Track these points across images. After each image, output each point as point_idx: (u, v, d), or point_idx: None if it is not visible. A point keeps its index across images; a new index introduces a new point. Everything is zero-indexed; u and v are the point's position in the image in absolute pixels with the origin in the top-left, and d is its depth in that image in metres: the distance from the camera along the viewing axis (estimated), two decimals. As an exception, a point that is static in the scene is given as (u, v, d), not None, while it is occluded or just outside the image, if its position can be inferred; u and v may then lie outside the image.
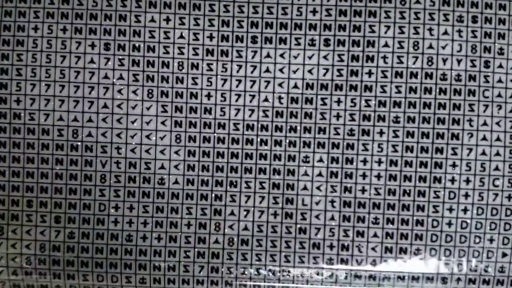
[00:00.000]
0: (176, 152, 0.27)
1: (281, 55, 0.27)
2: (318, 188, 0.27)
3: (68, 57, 0.27)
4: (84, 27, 0.27)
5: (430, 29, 0.27)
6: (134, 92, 0.27)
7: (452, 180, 0.27)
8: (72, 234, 0.27)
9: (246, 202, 0.27)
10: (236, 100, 0.27)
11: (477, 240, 0.27)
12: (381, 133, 0.27)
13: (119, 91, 0.27)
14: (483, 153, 0.27)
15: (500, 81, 0.27)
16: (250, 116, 0.27)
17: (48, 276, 0.27)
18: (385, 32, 0.27)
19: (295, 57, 0.27)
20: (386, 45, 0.27)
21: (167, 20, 0.27)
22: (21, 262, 0.27)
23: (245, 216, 0.27)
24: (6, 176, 0.27)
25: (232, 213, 0.27)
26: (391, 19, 0.27)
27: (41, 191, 0.27)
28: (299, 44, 0.27)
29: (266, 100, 0.27)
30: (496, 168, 0.27)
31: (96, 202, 0.27)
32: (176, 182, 0.27)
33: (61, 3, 0.27)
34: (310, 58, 0.27)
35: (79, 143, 0.27)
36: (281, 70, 0.27)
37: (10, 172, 0.27)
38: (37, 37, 0.27)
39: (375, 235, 0.27)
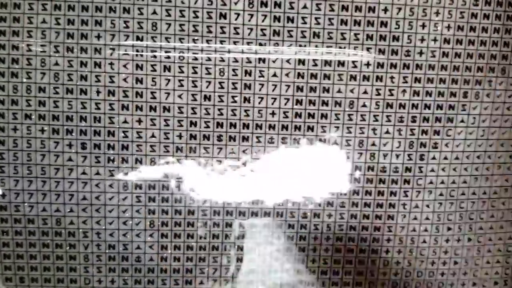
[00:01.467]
0: (151, 235, 0.35)
1: (244, 151, 0.34)
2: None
3: (47, 155, 0.33)
4: (61, 128, 0.33)
5: (374, 129, 0.34)
6: (110, 185, 0.34)
7: (387, 251, 0.36)
8: (61, 304, 0.35)
9: (213, 273, 0.36)
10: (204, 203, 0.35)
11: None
12: (329, 215, 0.35)
13: (97, 185, 0.34)
14: (414, 230, 0.36)
15: (432, 170, 0.35)
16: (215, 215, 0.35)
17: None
18: (335, 132, 0.34)
19: (256, 153, 0.34)
20: (335, 143, 0.34)
21: (139, 121, 0.33)
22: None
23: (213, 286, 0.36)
24: (-3, 258, 0.34)
25: (201, 283, 0.36)
26: (340, 120, 0.34)
27: (31, 269, 0.35)
28: (259, 142, 0.34)
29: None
30: (423, 241, 0.36)
31: (81, 277, 0.35)
32: (151, 259, 0.35)
33: (37, 105, 0.33)
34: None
35: (62, 230, 0.34)
36: (244, 164, 0.34)
37: (1, 255, 0.34)
38: (17, 137, 0.33)
39: None
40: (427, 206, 0.34)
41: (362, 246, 0.34)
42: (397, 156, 0.33)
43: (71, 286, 0.33)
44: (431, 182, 0.34)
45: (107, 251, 0.33)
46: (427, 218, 0.34)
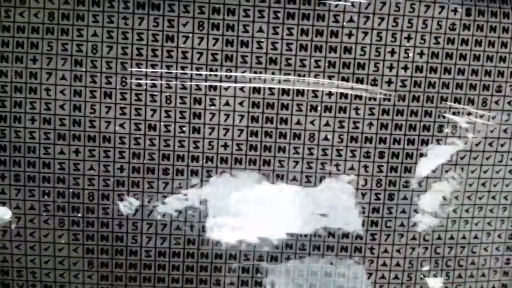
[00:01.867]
0: (89, 277, 0.33)
1: (192, 186, 0.32)
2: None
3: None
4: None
5: (337, 165, 0.32)
6: (45, 221, 0.32)
7: None
8: None
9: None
10: (148, 229, 0.32)
11: None
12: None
13: (31, 221, 0.32)
14: (382, 277, 0.33)
15: (403, 211, 0.33)
16: (162, 244, 0.33)
17: None
18: (294, 167, 0.32)
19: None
20: (294, 179, 0.32)
21: (77, 152, 0.31)
22: None
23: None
24: None
25: None
26: (299, 155, 0.32)
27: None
28: (210, 176, 0.32)
29: (178, 228, 0.33)
30: None
31: None
32: None
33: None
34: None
35: (-7, 269, 0.32)
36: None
37: None
38: None
39: None
40: (398, 251, 0.31)
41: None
42: (363, 195, 0.31)
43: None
44: (402, 225, 0.31)
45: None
46: (397, 265, 0.31)
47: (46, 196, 0.30)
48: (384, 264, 0.31)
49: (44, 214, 0.30)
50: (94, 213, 0.30)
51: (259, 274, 0.31)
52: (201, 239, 0.30)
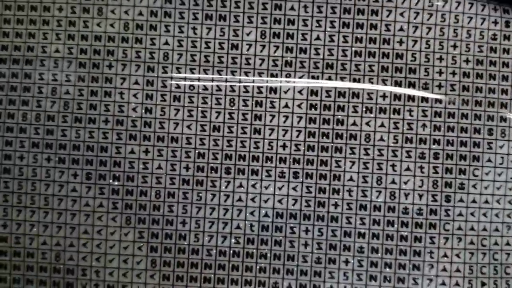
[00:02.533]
0: (152, 276, 0.33)
1: (253, 186, 0.33)
2: (286, 312, 0.33)
3: (51, 185, 0.34)
4: (68, 157, 0.33)
5: (393, 165, 0.33)
6: (113, 219, 0.33)
7: None
8: None
9: (217, 324, 0.33)
10: (210, 227, 0.33)
11: None
12: (346, 262, 0.33)
13: (99, 218, 0.33)
14: (443, 284, 0.33)
15: (460, 214, 0.33)
16: (222, 242, 0.33)
17: None
18: (350, 167, 0.33)
19: (266, 188, 0.33)
20: (351, 179, 0.33)
21: (146, 151, 0.34)
22: None
23: (217, 337, 0.33)
24: (-9, 296, 0.33)
25: None
26: (356, 155, 0.33)
27: (24, 310, 0.33)
28: (269, 175, 0.33)
29: (238, 227, 0.33)
30: None
31: None
32: None
33: (45, 133, 0.34)
34: (280, 189, 0.33)
35: (61, 266, 0.33)
36: (252, 199, 0.33)
37: (-5, 292, 0.33)
38: (23, 166, 0.34)
39: None
40: (457, 255, 0.31)
41: (384, 300, 0.31)
42: (420, 196, 0.31)
43: (64, 331, 0.32)
44: (459, 228, 0.31)
45: (105, 292, 0.32)
46: (457, 270, 0.31)
47: (115, 194, 0.31)
48: (444, 270, 0.31)
49: (112, 211, 0.31)
50: (160, 210, 0.31)
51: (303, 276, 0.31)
52: (260, 239, 0.31)
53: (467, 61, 0.31)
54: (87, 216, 0.31)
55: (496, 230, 0.31)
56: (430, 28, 0.31)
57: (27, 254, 0.31)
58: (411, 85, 0.31)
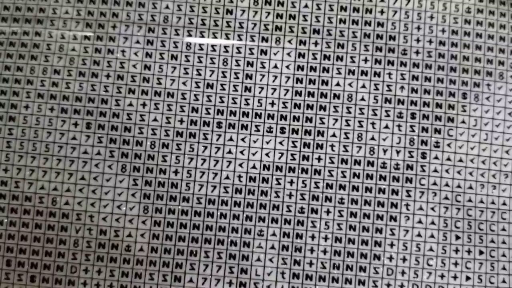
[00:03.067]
0: (143, 222, 0.35)
1: (242, 139, 0.36)
2: (270, 260, 0.35)
3: (53, 133, 0.36)
4: (70, 108, 0.36)
5: (373, 123, 0.36)
6: (109, 166, 0.36)
7: (390, 258, 0.35)
8: (45, 293, 0.35)
9: (204, 270, 0.35)
10: (200, 177, 0.36)
11: (413, 314, 0.35)
12: (327, 212, 0.35)
13: (96, 165, 0.36)
14: (419, 235, 0.35)
15: (435, 170, 0.35)
16: (212, 191, 0.35)
17: (20, 331, 0.35)
18: (333, 124, 0.36)
19: (254, 142, 0.36)
20: (333, 135, 0.36)
21: (143, 105, 0.36)
22: (-4, 317, 0.35)
23: (203, 284, 0.35)
24: (-11, 237, 0.35)
25: (190, 280, 0.35)
26: (339, 113, 0.36)
27: (20, 252, 0.35)
28: (258, 130, 0.36)
29: (227, 178, 0.35)
30: (430, 249, 0.35)
31: (68, 264, 0.35)
32: (141, 249, 0.35)
33: (50, 85, 0.36)
34: (267, 143, 0.36)
35: (57, 210, 0.35)
36: (241, 152, 0.36)
37: (-7, 234, 0.35)
38: (27, 114, 0.36)
39: (320, 306, 0.35)
40: (432, 209, 0.34)
41: (363, 251, 0.33)
42: (398, 152, 0.34)
43: (56, 273, 0.33)
44: (434, 183, 0.34)
45: (98, 236, 0.33)
46: (432, 223, 0.34)
47: (112, 143, 0.34)
48: (420, 222, 0.33)
49: (109, 158, 0.33)
50: (154, 160, 0.33)
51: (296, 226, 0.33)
52: (248, 189, 0.33)
53: (442, 31, 0.34)
54: (85, 163, 0.33)
55: (470, 187, 0.33)
56: (408, 0, 0.34)
57: (25, 198, 0.33)
58: (391, 50, 0.34)
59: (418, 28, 0.34)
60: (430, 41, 0.34)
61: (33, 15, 0.34)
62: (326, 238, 0.33)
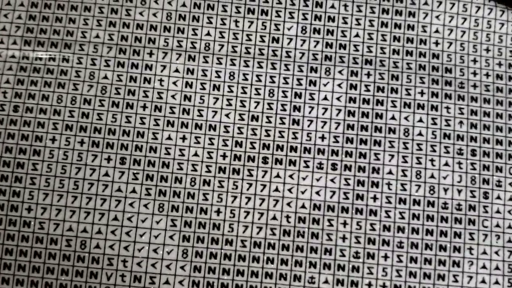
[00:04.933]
0: (182, 268, 0.32)
1: (290, 176, 0.33)
2: (322, 310, 0.32)
3: (83, 168, 0.32)
4: (102, 141, 0.33)
5: (432, 160, 0.33)
6: (145, 205, 0.32)
7: None
8: None
9: (250, 321, 0.31)
10: (245, 217, 0.32)
11: None
12: (385, 257, 0.32)
13: (131, 204, 0.32)
14: (483, 281, 0.32)
15: (498, 211, 0.33)
16: (257, 233, 0.32)
17: None
18: (389, 161, 0.33)
19: (304, 179, 0.33)
20: (390, 172, 0.33)
21: (183, 138, 0.33)
22: None
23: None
24: (9, 284, 0.31)
25: None
26: (395, 148, 0.33)
27: (43, 301, 0.31)
28: (307, 166, 0.33)
29: (274, 218, 0.32)
30: None
31: None
32: None
33: (80, 116, 0.33)
34: (317, 180, 0.33)
35: (86, 254, 0.32)
36: (289, 190, 0.33)
37: (13, 280, 0.31)
38: (54, 148, 0.33)
39: None
40: (496, 253, 0.31)
41: (423, 299, 0.30)
42: (459, 191, 0.31)
43: (85, 325, 0.30)
44: (497, 225, 0.31)
45: (131, 284, 0.30)
46: (497, 268, 0.31)
47: (149, 180, 0.31)
48: (484, 267, 0.30)
49: (145, 197, 0.30)
50: (194, 198, 0.30)
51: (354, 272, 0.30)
52: (297, 231, 0.30)
53: (499, 64, 0.32)
54: (118, 202, 0.30)
55: (534, 230, 0.31)
56: (464, 32, 0.32)
57: (50, 241, 0.30)
58: (448, 83, 0.32)
59: (475, 61, 0.32)
60: (487, 75, 0.32)
61: (60, 38, 0.31)
62: (384, 286, 0.30)
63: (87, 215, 0.30)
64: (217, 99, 0.32)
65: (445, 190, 0.31)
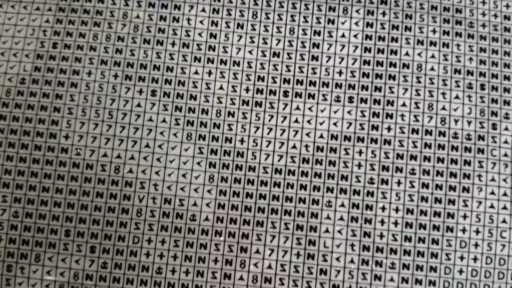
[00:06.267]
0: (209, 191, 0.34)
1: (309, 109, 0.35)
2: (339, 231, 0.34)
3: (117, 100, 0.35)
4: (134, 75, 0.35)
5: (443, 93, 0.35)
6: (174, 134, 0.34)
7: (463, 230, 0.34)
8: (105, 264, 0.33)
9: (271, 241, 0.34)
10: (267, 146, 0.34)
11: (487, 288, 0.33)
12: (398, 183, 0.34)
13: (161, 133, 0.34)
14: (491, 206, 0.34)
15: (506, 142, 0.35)
16: (278, 161, 0.34)
17: (79, 304, 0.33)
18: (403, 94, 0.35)
19: (322, 111, 0.35)
20: (403, 104, 0.35)
21: (209, 73, 0.35)
22: (54, 289, 0.33)
23: (270, 255, 0.33)
24: (48, 206, 0.33)
25: (257, 251, 0.33)
26: (409, 82, 0.35)
27: (79, 221, 0.33)
28: (325, 99, 0.35)
29: (294, 147, 0.34)
30: (504, 221, 0.34)
31: (130, 234, 0.33)
32: (206, 219, 0.34)
33: (114, 52, 0.35)
34: (335, 112, 0.35)
35: (119, 179, 0.34)
36: (308, 121, 0.35)
37: (52, 202, 0.34)
38: (90, 81, 0.35)
39: (391, 280, 0.33)
40: (504, 180, 0.33)
41: (435, 223, 0.32)
42: (469, 123, 0.33)
43: (117, 244, 0.32)
44: (505, 155, 0.33)
45: (162, 206, 0.32)
46: (505, 194, 0.33)
47: (178, 111, 0.33)
48: (493, 193, 0.32)
49: (174, 126, 0.32)
50: (219, 129, 0.33)
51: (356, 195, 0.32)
52: (315, 159, 0.32)
53: (507, 6, 0.34)
54: (149, 131, 0.32)
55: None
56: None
57: (86, 166, 0.32)
58: (458, 23, 0.33)
59: (483, 2, 0.34)
60: (495, 15, 0.34)
61: (96, -15, 0.34)
62: (397, 210, 0.32)
63: (120, 143, 0.32)
64: (241, 36, 0.34)
65: (456, 121, 0.33)
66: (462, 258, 0.31)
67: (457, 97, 0.32)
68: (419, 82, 0.32)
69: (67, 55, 0.32)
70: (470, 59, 0.32)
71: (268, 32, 0.32)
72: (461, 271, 0.31)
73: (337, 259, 0.31)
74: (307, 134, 0.32)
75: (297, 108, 0.32)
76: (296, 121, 0.32)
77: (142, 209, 0.31)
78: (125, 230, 0.31)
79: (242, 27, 0.32)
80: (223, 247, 0.31)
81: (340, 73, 0.32)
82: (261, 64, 0.32)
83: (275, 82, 0.32)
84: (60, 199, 0.31)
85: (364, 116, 0.32)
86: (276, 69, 0.32)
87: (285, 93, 0.32)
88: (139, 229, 0.31)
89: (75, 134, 0.32)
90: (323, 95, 0.32)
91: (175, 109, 0.32)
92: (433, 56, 0.32)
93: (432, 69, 0.32)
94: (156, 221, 0.31)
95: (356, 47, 0.32)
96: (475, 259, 0.31)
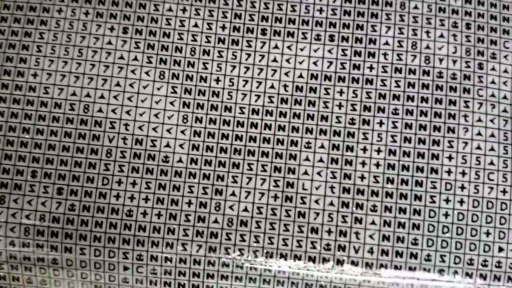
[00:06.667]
0: (182, 132, 0.32)
1: (288, 47, 0.33)
2: (318, 173, 0.32)
3: (87, 37, 0.33)
4: (106, 12, 0.33)
5: (427, 32, 0.33)
6: (146, 73, 0.33)
7: (449, 172, 0.32)
8: (73, 206, 0.31)
9: (247, 183, 0.32)
10: (243, 86, 0.33)
11: (474, 232, 0.32)
12: (380, 123, 0.32)
13: (133, 71, 0.33)
14: (478, 147, 0.32)
15: (493, 82, 0.33)
16: (256, 101, 0.33)
17: (46, 248, 0.31)
18: (386, 32, 0.33)
19: (301, 50, 0.33)
20: (386, 43, 0.33)
21: (184, 10, 0.34)
22: (20, 232, 0.31)
23: (246, 198, 0.32)
24: (14, 146, 0.32)
25: (233, 194, 0.32)
26: (392, 20, 0.34)
27: (46, 162, 0.32)
28: (305, 38, 0.33)
29: (272, 87, 0.33)
30: (491, 163, 0.32)
31: (100, 176, 0.32)
32: (180, 160, 0.32)
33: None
34: (315, 51, 0.33)
35: (89, 118, 0.32)
36: (287, 60, 0.33)
37: (18, 142, 0.32)
38: (60, 18, 0.33)
39: (373, 223, 0.32)
40: (491, 121, 0.31)
41: (419, 164, 0.31)
42: (454, 62, 0.32)
43: (86, 185, 0.30)
44: (492, 95, 0.31)
45: (133, 146, 0.31)
46: (492, 135, 0.31)
47: (150, 49, 0.31)
48: (479, 134, 0.30)
49: (146, 64, 0.31)
50: (194, 67, 0.31)
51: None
52: (294, 99, 0.31)
53: None
54: (120, 69, 0.31)
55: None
56: None
57: (55, 105, 0.30)
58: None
59: None
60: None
61: None
62: (379, 151, 0.30)
63: (90, 81, 0.31)
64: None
65: (440, 60, 0.31)
66: (447, 200, 0.29)
67: (441, 35, 0.31)
68: (403, 20, 0.31)
69: (36, -8, 0.31)
70: (456, -2, 0.31)
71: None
72: (446, 214, 0.29)
73: (316, 201, 0.29)
74: (286, 74, 0.30)
75: (276, 46, 0.30)
76: (275, 60, 0.30)
77: (112, 150, 0.29)
78: (94, 171, 0.29)
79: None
80: (197, 190, 0.29)
81: (321, 10, 0.31)
82: (238, 1, 0.31)
83: (252, 19, 0.31)
84: (27, 139, 0.29)
85: (345, 55, 0.30)
86: (254, 6, 0.31)
87: (263, 31, 0.31)
88: (108, 170, 0.29)
89: (44, 72, 0.30)
90: (303, 33, 0.30)
91: (148, 47, 0.30)
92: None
93: (415, 7, 0.31)
94: (127, 162, 0.29)
95: (337, -16, 0.31)
96: (461, 201, 0.29)
